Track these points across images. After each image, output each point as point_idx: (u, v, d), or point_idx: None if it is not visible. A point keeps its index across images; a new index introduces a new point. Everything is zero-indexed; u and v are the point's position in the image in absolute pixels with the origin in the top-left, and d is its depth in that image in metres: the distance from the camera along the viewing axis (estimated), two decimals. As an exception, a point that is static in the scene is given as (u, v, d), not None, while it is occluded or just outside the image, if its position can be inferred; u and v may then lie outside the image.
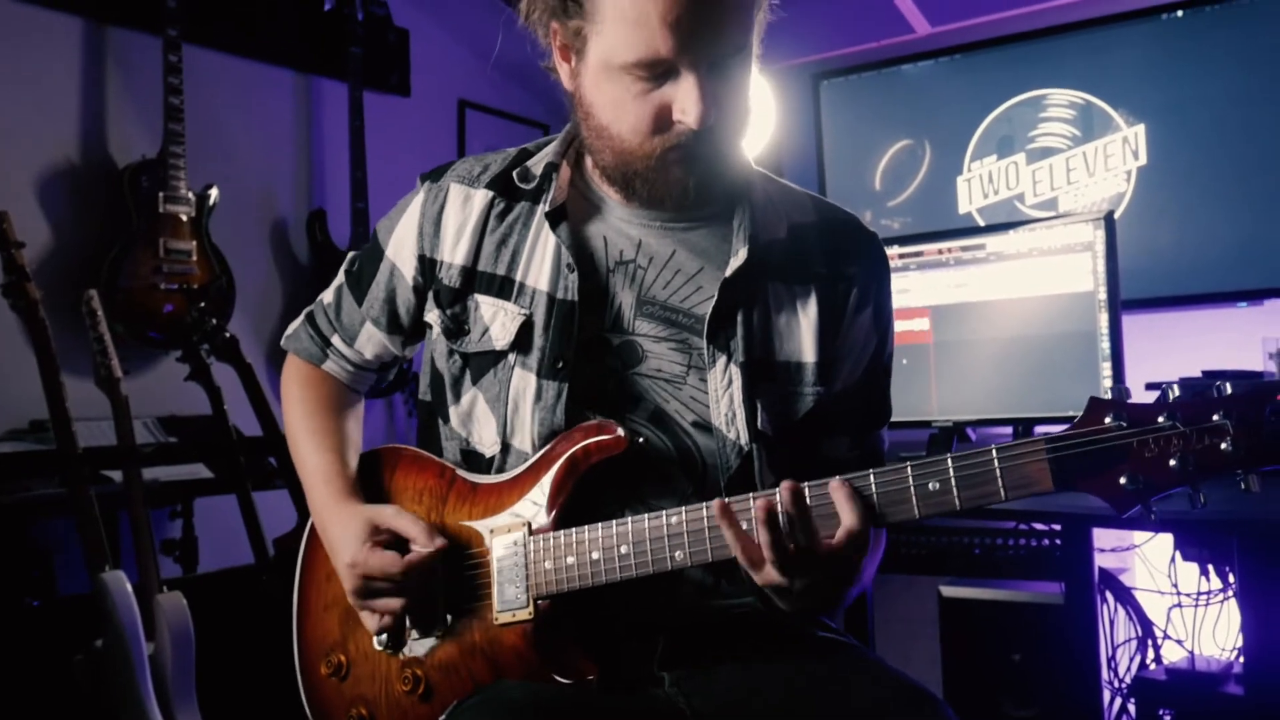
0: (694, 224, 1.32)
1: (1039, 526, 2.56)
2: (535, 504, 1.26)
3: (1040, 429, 2.63)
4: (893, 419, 1.43)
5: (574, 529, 1.22)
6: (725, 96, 1.19)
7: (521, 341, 1.30)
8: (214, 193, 3.20)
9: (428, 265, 1.38)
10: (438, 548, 1.24)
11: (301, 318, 1.53)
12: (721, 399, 1.26)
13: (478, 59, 4.37)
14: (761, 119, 3.33)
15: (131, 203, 3.06)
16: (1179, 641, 2.52)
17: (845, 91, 3.81)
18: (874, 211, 3.79)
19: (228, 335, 2.60)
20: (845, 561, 1.09)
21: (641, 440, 1.25)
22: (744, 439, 1.25)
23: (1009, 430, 2.64)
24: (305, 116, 3.76)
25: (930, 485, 1.06)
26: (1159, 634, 2.56)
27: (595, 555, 1.20)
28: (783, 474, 1.23)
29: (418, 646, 1.30)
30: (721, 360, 1.26)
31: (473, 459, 1.36)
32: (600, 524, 1.20)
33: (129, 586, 2.12)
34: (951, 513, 1.05)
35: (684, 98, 1.16)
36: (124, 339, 2.91)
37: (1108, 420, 1.02)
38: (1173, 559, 2.51)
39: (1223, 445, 0.99)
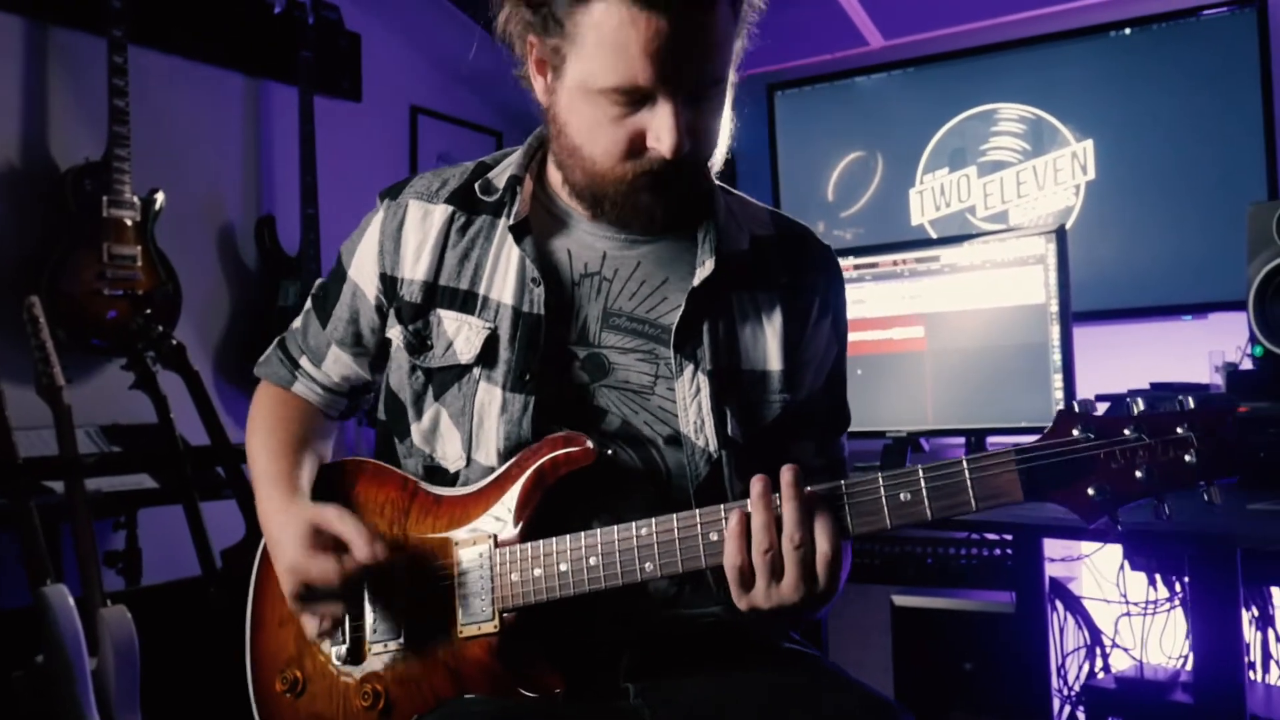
0: (658, 237, 1.31)
1: (990, 536, 2.59)
2: (500, 517, 1.24)
3: (992, 440, 2.66)
4: (856, 428, 1.43)
5: (541, 541, 1.20)
6: (700, 127, 1.19)
7: (487, 355, 1.29)
8: (160, 197, 3.14)
9: (389, 283, 1.36)
10: (375, 558, 1.21)
11: (274, 344, 1.52)
12: (690, 407, 1.26)
13: (430, 65, 4.34)
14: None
15: (74, 206, 2.99)
16: (1126, 650, 2.56)
17: (799, 102, 3.83)
18: (827, 222, 3.82)
19: (174, 342, 2.54)
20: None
21: (610, 453, 1.25)
22: (713, 446, 1.25)
23: (961, 441, 2.66)
24: (254, 121, 3.70)
25: (902, 496, 1.07)
26: (1108, 642, 2.59)
27: (563, 567, 1.18)
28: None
29: (376, 661, 1.28)
30: (689, 369, 1.26)
31: (437, 475, 1.34)
32: (568, 536, 1.19)
33: (71, 600, 2.06)
34: (922, 523, 1.06)
35: (659, 126, 1.15)
36: (65, 345, 2.82)
37: (1075, 432, 1.04)
38: (1121, 568, 2.55)
39: (1186, 457, 1.01)
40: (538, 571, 1.20)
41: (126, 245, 3.06)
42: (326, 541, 1.24)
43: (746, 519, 1.10)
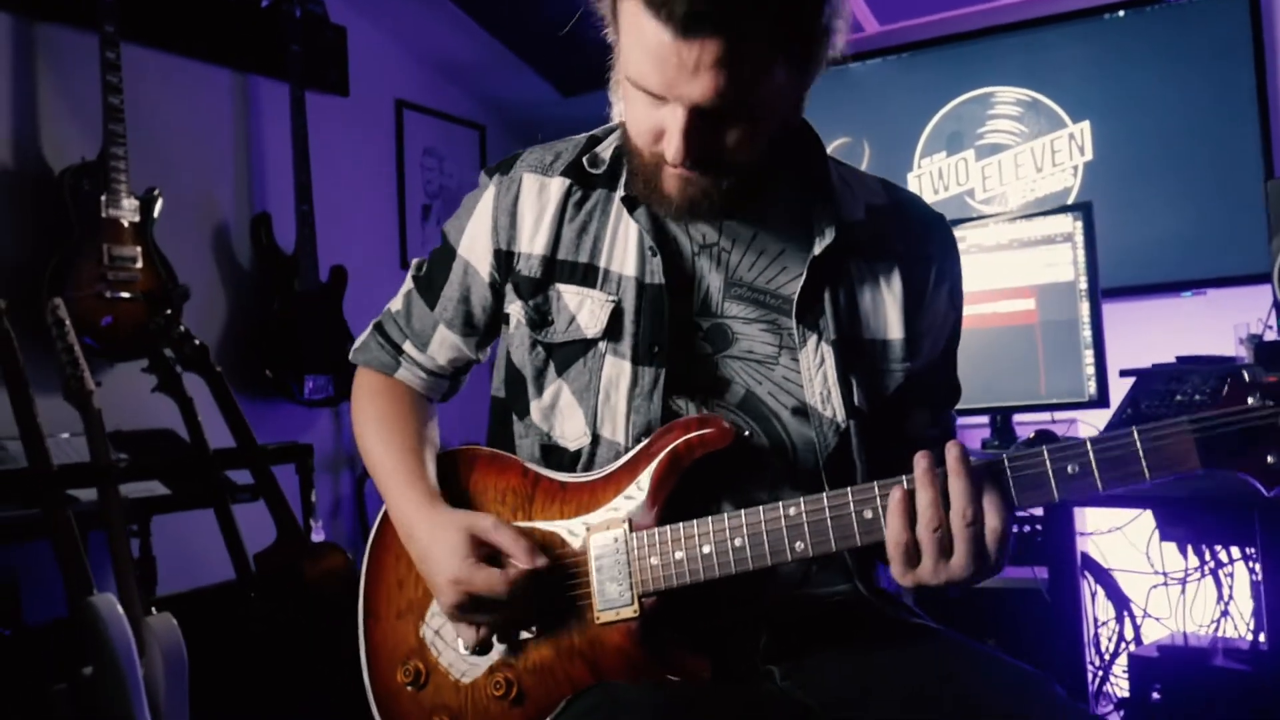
0: (776, 205, 1.29)
1: (1019, 513, 2.61)
2: (634, 500, 1.22)
3: (1018, 418, 2.69)
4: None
5: (681, 524, 1.18)
6: (718, 142, 1.14)
7: (613, 329, 1.27)
8: (159, 196, 3.06)
9: (504, 259, 1.34)
10: (539, 566, 1.20)
11: (369, 329, 1.48)
12: (815, 378, 1.25)
13: (414, 58, 4.28)
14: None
15: (72, 208, 2.91)
16: (1158, 620, 2.60)
17: (792, 90, 3.83)
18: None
19: (197, 343, 2.48)
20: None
21: (748, 434, 1.23)
22: (840, 417, 1.24)
23: (987, 420, 2.68)
24: (244, 117, 3.63)
25: (1069, 468, 1.06)
26: (1138, 613, 2.64)
27: (706, 549, 1.17)
28: (878, 452, 1.25)
29: (506, 651, 1.25)
30: (812, 339, 1.25)
31: (554, 454, 1.32)
32: (710, 518, 1.17)
33: (120, 610, 2.00)
34: (1093, 494, 1.05)
35: (669, 131, 1.13)
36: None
37: (1250, 400, 1.02)
38: (1149, 539, 2.59)
39: None
40: (679, 554, 1.18)
41: (126, 246, 2.98)
42: (487, 552, 1.22)
43: (909, 496, 1.09)
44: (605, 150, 1.35)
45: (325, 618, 2.29)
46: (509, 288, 1.35)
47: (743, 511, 1.16)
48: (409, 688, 1.31)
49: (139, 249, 3.00)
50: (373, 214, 4.13)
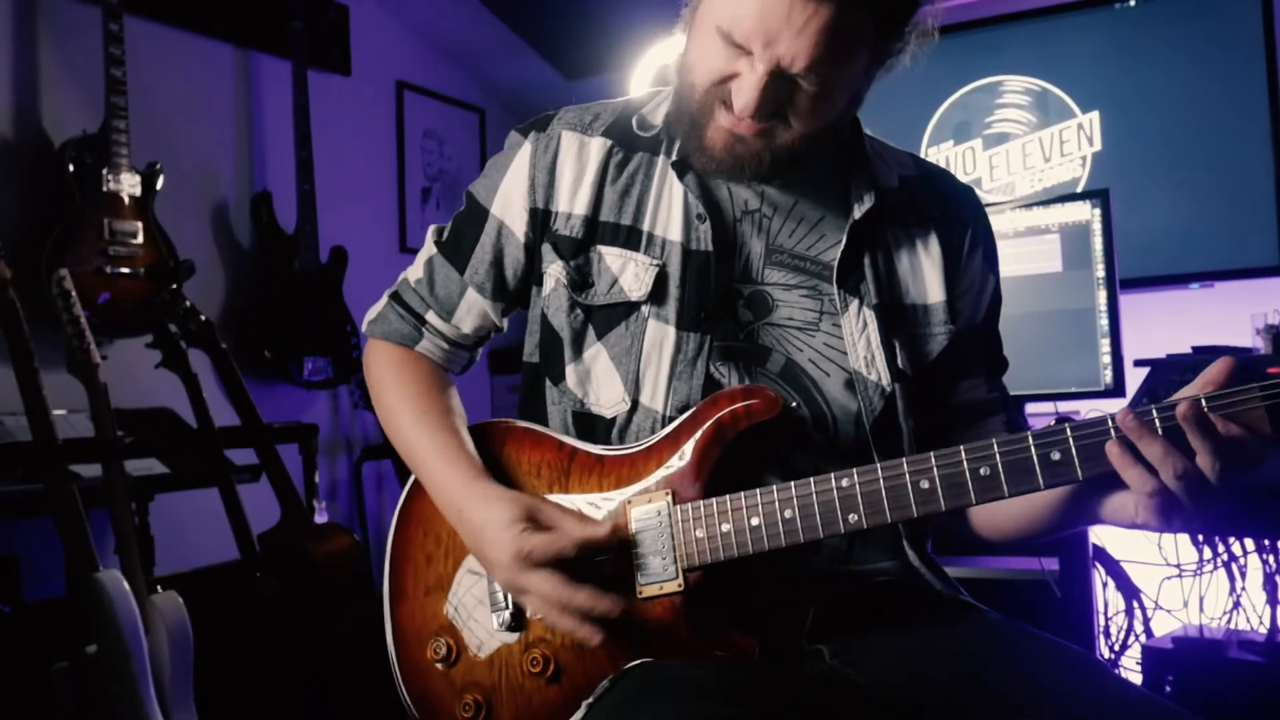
0: (815, 174, 1.29)
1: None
2: (677, 472, 1.19)
3: (1031, 407, 2.67)
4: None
5: (728, 495, 1.16)
6: (789, 106, 1.15)
7: (658, 293, 1.26)
8: (160, 171, 3.01)
9: (540, 218, 1.32)
10: (598, 535, 1.16)
11: (385, 299, 1.44)
12: (859, 342, 1.25)
13: (415, 40, 4.24)
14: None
15: (73, 181, 2.86)
16: (1170, 611, 2.59)
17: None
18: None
19: (203, 318, 2.43)
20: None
21: (795, 405, 1.21)
22: (885, 380, 1.24)
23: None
24: (244, 94, 3.58)
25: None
26: (1149, 605, 2.62)
27: (755, 521, 1.14)
28: (922, 418, 1.25)
29: (542, 626, 1.22)
30: (854, 304, 1.26)
31: (586, 422, 1.29)
32: (758, 490, 1.15)
33: (127, 587, 1.96)
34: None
35: (742, 82, 1.14)
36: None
37: None
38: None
39: None
40: (725, 527, 1.15)
41: (127, 220, 2.93)
42: (545, 527, 1.18)
43: (1129, 447, 1.00)
44: (654, 114, 1.34)
45: (331, 598, 2.25)
46: (546, 247, 1.32)
47: (792, 483, 1.13)
48: (439, 665, 1.27)
49: (140, 224, 2.95)
50: (372, 195, 4.09)
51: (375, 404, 1.41)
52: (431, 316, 1.40)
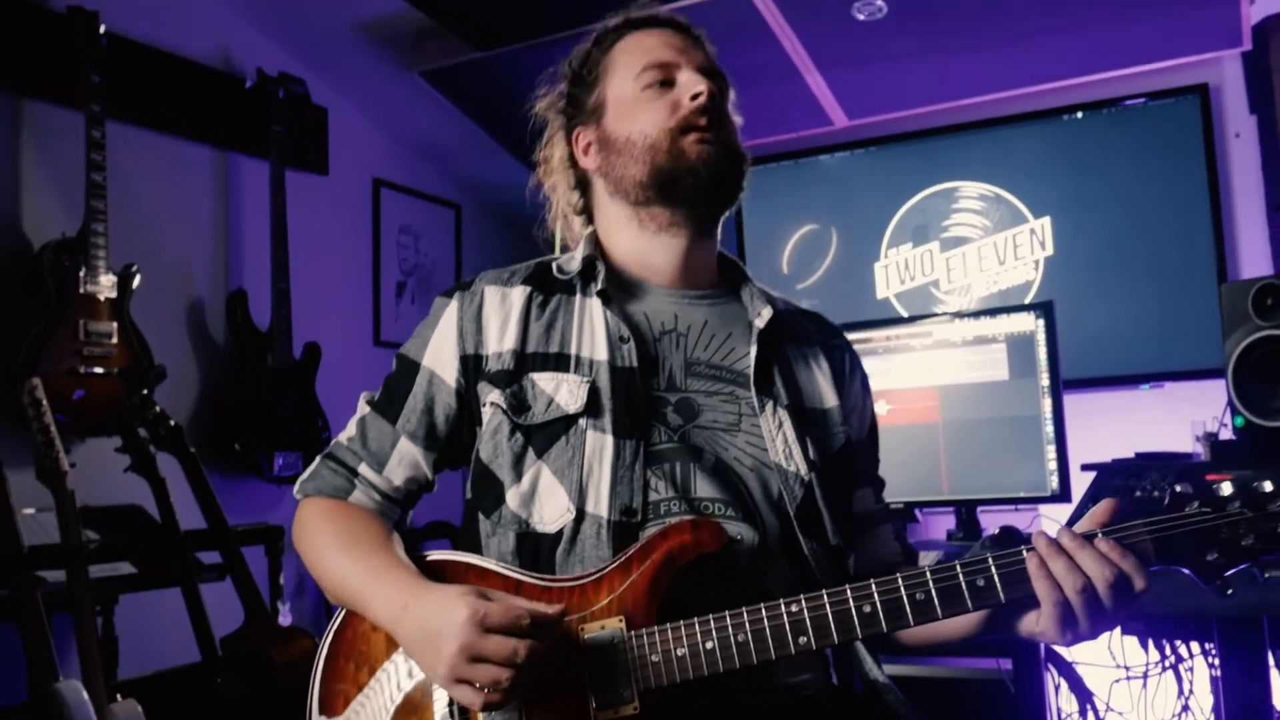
0: (716, 299, 1.50)
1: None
2: (630, 599, 1.25)
3: (982, 510, 2.74)
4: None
5: (682, 621, 1.23)
6: (715, 91, 1.45)
7: (592, 405, 1.36)
8: (136, 272, 3.08)
9: (472, 363, 1.42)
10: (554, 612, 1.22)
11: (316, 461, 1.49)
12: (776, 438, 1.39)
13: (392, 138, 4.35)
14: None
15: (51, 283, 2.92)
16: (1120, 714, 2.63)
17: (762, 179, 3.93)
18: (783, 293, 3.90)
19: (172, 423, 2.48)
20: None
21: (738, 539, 1.31)
22: (803, 470, 1.38)
23: (952, 510, 2.73)
24: (223, 194, 3.67)
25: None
26: (1101, 706, 2.67)
27: (709, 645, 1.22)
28: (836, 508, 1.40)
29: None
30: (769, 405, 1.41)
31: (530, 543, 1.34)
32: (710, 616, 1.22)
33: (86, 697, 1.98)
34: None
35: (686, 83, 1.44)
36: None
37: (1189, 510, 1.18)
38: (1111, 633, 2.63)
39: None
40: (680, 651, 1.22)
41: (101, 322, 2.99)
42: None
43: (1043, 563, 1.18)
44: (569, 264, 1.50)
45: (293, 703, 2.26)
46: (483, 385, 1.41)
47: (744, 609, 1.22)
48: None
49: (115, 325, 3.01)
50: (348, 290, 4.16)
51: (303, 553, 1.43)
52: (364, 468, 1.45)
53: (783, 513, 1.35)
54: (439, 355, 1.44)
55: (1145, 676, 2.54)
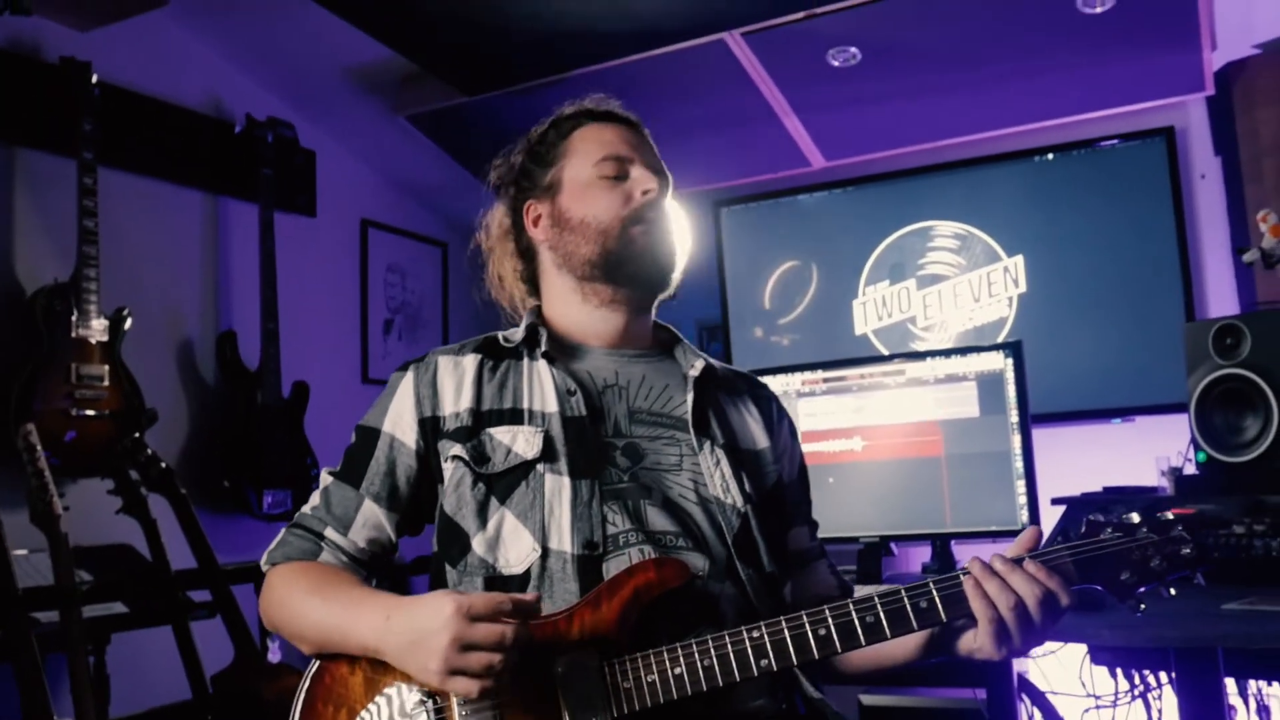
0: (651, 358, 1.64)
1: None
2: (602, 631, 1.33)
3: (957, 544, 2.80)
4: (828, 533, 1.78)
5: (651, 650, 1.32)
6: (662, 189, 1.60)
7: (548, 451, 1.47)
8: (128, 316, 3.15)
9: (430, 425, 1.52)
10: (533, 599, 1.31)
11: (282, 532, 1.54)
12: (714, 475, 1.52)
13: (379, 179, 4.44)
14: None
15: (44, 327, 2.98)
16: (1093, 740, 2.69)
17: (744, 218, 4.02)
18: (764, 329, 4.00)
19: (163, 466, 2.54)
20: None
21: (701, 573, 1.41)
22: (739, 503, 1.50)
23: (928, 544, 2.79)
24: (212, 237, 3.74)
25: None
26: (1075, 734, 2.73)
27: (678, 670, 1.30)
28: (771, 538, 1.53)
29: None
30: (707, 445, 1.54)
31: (497, 586, 1.41)
32: (679, 644, 1.32)
33: (80, 737, 2.03)
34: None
35: (638, 178, 1.58)
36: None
37: (1104, 535, 1.34)
38: (1081, 662, 2.69)
39: (1184, 550, 1.32)
40: (650, 677, 1.31)
41: (93, 365, 3.06)
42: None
43: (977, 584, 1.30)
44: (514, 335, 1.62)
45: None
46: (443, 443, 1.50)
47: (709, 637, 1.32)
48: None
49: (106, 368, 3.08)
50: (336, 328, 4.23)
51: (275, 615, 1.49)
52: (329, 531, 1.51)
53: (724, 541, 1.47)
54: (399, 420, 1.53)
55: (1115, 705, 2.60)
